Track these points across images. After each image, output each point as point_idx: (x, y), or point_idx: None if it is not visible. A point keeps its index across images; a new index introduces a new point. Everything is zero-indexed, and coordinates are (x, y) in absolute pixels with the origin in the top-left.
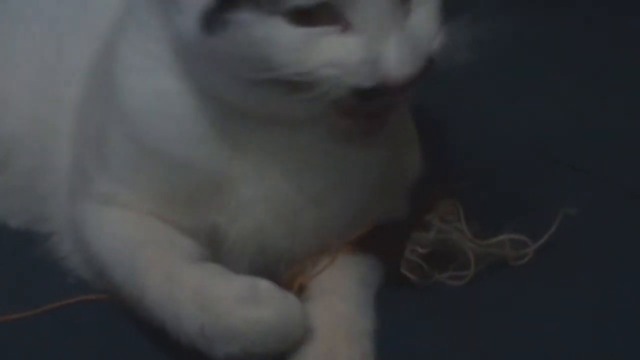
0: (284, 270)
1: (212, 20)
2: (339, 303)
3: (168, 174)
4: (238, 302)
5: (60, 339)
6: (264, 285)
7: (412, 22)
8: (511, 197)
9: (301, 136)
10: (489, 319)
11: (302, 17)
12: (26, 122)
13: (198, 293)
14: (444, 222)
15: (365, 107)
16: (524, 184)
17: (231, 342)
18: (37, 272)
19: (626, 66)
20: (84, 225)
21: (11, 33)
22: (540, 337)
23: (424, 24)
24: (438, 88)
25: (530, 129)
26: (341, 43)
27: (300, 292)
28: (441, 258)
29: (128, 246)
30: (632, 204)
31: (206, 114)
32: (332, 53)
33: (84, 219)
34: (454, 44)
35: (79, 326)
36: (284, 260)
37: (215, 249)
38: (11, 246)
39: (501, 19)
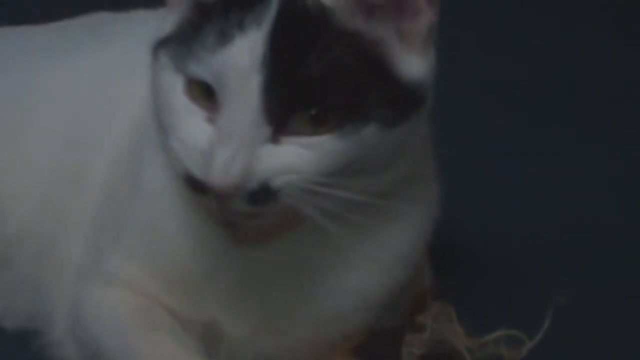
0: None
1: (155, 51)
2: None
3: (172, 257)
4: None
5: None
6: None
7: (270, 149)
8: (502, 293)
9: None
10: None
11: (198, 90)
12: (35, 217)
13: None
14: (437, 323)
15: (201, 198)
16: (514, 281)
17: None
18: None
19: (620, 166)
20: (85, 305)
21: (21, 129)
22: None
23: (279, 157)
24: None
25: (520, 226)
26: (198, 127)
27: None
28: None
29: (129, 328)
30: (623, 302)
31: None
32: (185, 131)
33: (85, 300)
34: None
35: None
36: None
37: (214, 350)
38: (5, 350)
39: (494, 114)
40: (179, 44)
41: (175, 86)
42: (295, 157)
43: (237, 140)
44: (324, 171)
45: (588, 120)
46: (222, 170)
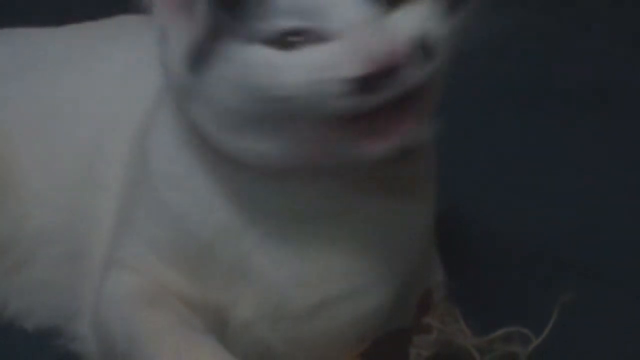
0: None
1: (198, 59)
2: None
3: (183, 237)
4: None
5: None
6: None
7: (394, 17)
8: (508, 292)
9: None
10: None
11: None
12: (59, 219)
13: None
14: (444, 324)
15: (372, 98)
16: (519, 280)
17: None
18: None
19: (628, 166)
20: (100, 296)
21: (45, 131)
22: None
23: (409, 17)
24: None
25: (525, 225)
26: (309, 57)
27: None
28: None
29: (134, 314)
30: (629, 301)
31: (219, 185)
32: (311, 59)
33: (101, 291)
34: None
35: None
36: None
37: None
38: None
39: (506, 116)
40: (226, 28)
41: (257, 58)
42: (421, 13)
43: (363, 25)
44: None
45: (597, 123)
46: (388, 35)
